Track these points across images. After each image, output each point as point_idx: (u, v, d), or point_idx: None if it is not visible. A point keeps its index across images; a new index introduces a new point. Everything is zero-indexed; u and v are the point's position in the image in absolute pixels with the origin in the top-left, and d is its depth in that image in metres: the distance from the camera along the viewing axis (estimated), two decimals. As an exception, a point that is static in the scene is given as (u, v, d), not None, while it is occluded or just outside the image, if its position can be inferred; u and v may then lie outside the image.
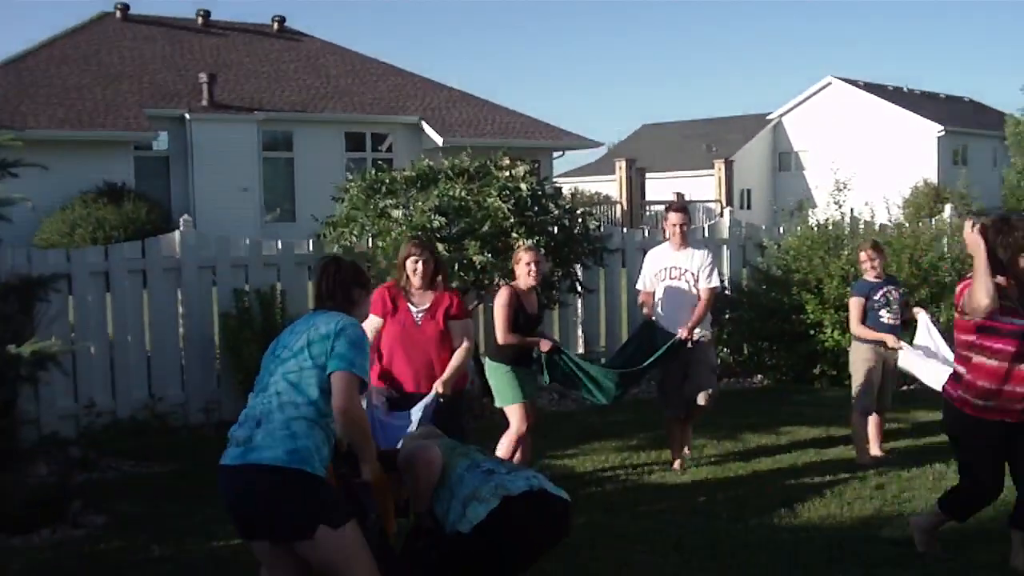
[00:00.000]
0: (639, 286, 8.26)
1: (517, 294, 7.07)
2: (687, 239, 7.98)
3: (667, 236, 8.12)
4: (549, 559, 5.24)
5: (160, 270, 9.21)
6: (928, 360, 7.79)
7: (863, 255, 8.13)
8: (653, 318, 7.87)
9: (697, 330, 7.66)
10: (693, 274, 7.81)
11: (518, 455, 7.01)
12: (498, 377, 7.10)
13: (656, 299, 7.97)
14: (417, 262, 6.24)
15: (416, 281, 6.26)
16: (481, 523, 4.54)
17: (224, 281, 9.37)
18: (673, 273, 7.88)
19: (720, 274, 9.74)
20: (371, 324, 6.03)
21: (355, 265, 4.73)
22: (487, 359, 7.25)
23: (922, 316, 8.13)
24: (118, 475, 7.86)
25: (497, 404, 7.22)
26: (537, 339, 7.19)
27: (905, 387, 9.13)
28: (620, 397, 7.62)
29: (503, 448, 6.97)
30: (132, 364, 9.09)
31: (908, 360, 7.93)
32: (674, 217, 7.96)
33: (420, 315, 6.25)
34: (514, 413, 7.04)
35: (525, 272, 7.05)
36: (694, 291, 7.80)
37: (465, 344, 6.30)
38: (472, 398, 8.50)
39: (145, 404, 9.03)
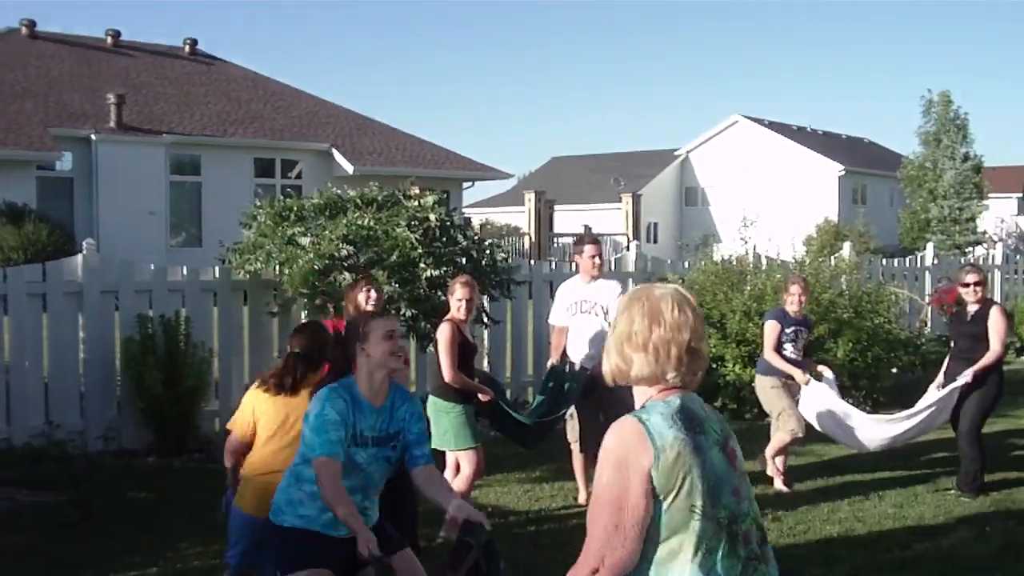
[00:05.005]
0: (551, 320, 8.27)
1: (458, 327, 6.88)
2: (601, 271, 8.02)
3: (578, 269, 8.16)
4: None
5: (61, 294, 9.03)
6: (836, 415, 8.05)
7: (795, 287, 8.23)
8: (557, 361, 7.94)
9: None
10: (603, 307, 7.76)
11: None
12: (449, 418, 6.82)
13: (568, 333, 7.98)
14: (370, 291, 6.43)
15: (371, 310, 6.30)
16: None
17: (127, 306, 9.22)
18: (584, 307, 7.87)
19: None
20: None
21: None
22: (433, 398, 6.92)
23: (827, 374, 8.37)
24: (10, 504, 7.64)
25: (442, 447, 6.85)
26: (478, 388, 7.00)
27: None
28: (542, 441, 7.82)
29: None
30: (29, 389, 8.89)
31: (813, 403, 8.15)
32: (590, 249, 7.93)
33: None
34: (469, 458, 6.79)
35: (456, 308, 6.86)
36: (605, 325, 7.71)
37: None
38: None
39: (42, 431, 8.81)
